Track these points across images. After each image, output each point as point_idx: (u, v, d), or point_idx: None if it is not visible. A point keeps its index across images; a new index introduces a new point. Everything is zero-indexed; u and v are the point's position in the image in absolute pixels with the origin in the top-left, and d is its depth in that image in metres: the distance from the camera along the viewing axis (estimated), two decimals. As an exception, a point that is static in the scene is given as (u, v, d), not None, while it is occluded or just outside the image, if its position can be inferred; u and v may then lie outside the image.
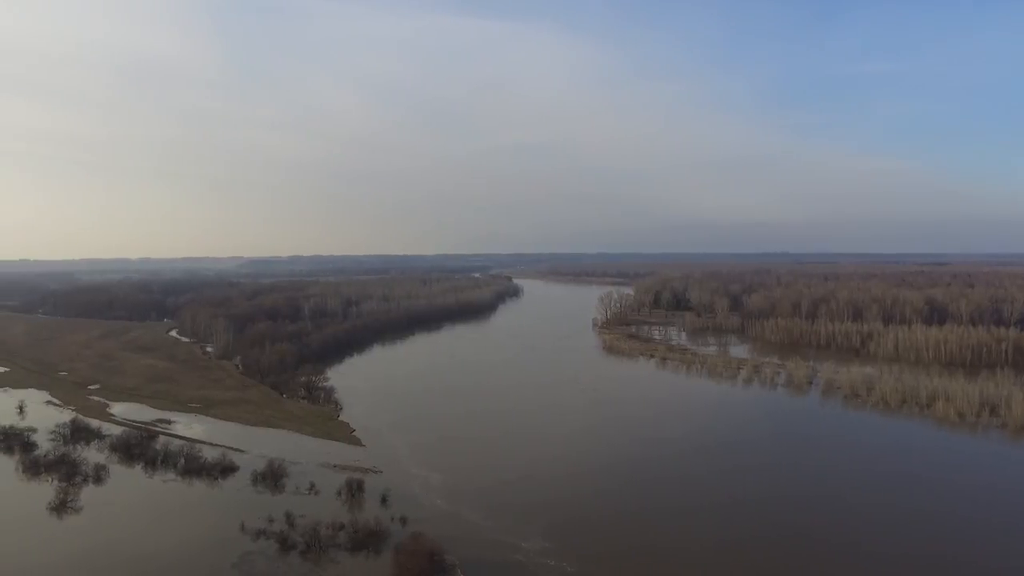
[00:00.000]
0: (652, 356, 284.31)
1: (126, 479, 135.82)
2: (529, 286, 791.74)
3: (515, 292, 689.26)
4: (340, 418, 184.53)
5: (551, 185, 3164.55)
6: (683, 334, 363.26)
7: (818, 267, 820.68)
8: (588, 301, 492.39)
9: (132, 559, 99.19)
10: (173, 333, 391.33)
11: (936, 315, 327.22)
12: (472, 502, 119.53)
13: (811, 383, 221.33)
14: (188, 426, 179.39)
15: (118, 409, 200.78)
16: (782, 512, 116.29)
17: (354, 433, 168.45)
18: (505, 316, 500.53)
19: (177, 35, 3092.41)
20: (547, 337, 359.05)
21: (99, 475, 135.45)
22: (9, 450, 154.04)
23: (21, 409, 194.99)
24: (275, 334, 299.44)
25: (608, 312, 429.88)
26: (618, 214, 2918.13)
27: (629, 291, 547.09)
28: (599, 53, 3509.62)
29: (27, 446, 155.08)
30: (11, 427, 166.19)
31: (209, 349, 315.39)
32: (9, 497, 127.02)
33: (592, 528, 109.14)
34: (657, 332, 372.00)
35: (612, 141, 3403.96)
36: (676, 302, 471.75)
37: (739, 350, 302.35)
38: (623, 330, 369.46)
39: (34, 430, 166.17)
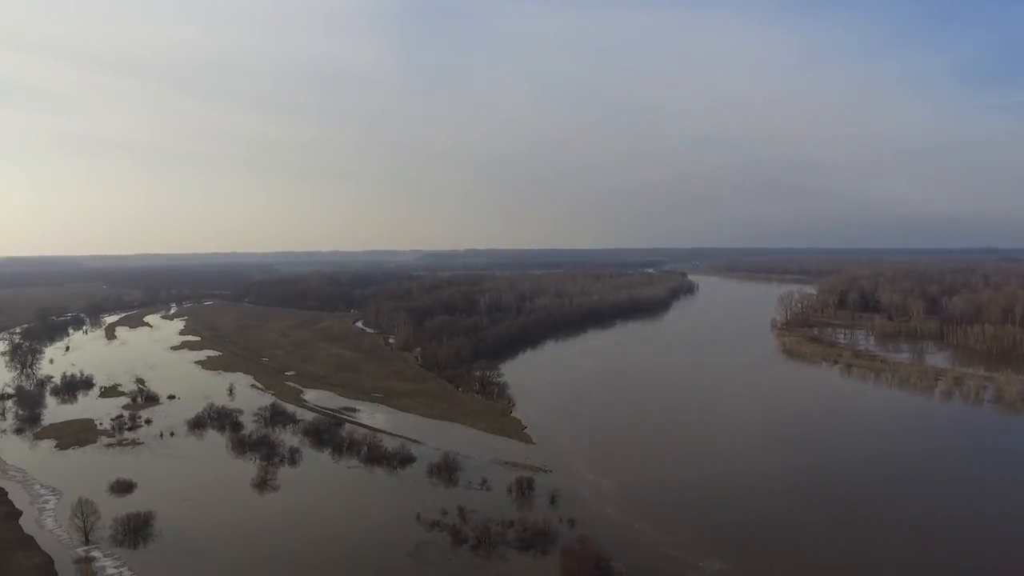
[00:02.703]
0: (836, 362, 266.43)
1: (316, 463, 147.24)
2: (705, 283, 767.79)
3: (690, 289, 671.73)
4: (512, 414, 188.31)
5: (730, 178, 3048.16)
6: (871, 339, 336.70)
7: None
8: (767, 300, 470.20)
9: (320, 539, 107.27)
10: (359, 324, 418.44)
11: None
12: (644, 511, 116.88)
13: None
14: (371, 415, 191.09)
15: (310, 395, 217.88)
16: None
17: (525, 431, 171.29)
18: (679, 314, 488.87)
19: (367, 43, 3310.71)
20: (723, 337, 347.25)
21: (294, 457, 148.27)
22: (221, 428, 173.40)
23: (231, 391, 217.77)
24: (452, 328, 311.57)
25: (788, 312, 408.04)
26: (801, 207, 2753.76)
27: (811, 290, 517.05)
28: (777, 40, 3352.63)
29: (235, 426, 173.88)
30: (223, 407, 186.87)
31: (391, 340, 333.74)
32: (220, 473, 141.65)
33: (777, 554, 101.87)
34: (842, 336, 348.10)
35: (794, 130, 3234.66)
36: (864, 303, 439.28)
37: (937, 359, 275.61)
38: (804, 332, 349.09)
39: (241, 411, 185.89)
